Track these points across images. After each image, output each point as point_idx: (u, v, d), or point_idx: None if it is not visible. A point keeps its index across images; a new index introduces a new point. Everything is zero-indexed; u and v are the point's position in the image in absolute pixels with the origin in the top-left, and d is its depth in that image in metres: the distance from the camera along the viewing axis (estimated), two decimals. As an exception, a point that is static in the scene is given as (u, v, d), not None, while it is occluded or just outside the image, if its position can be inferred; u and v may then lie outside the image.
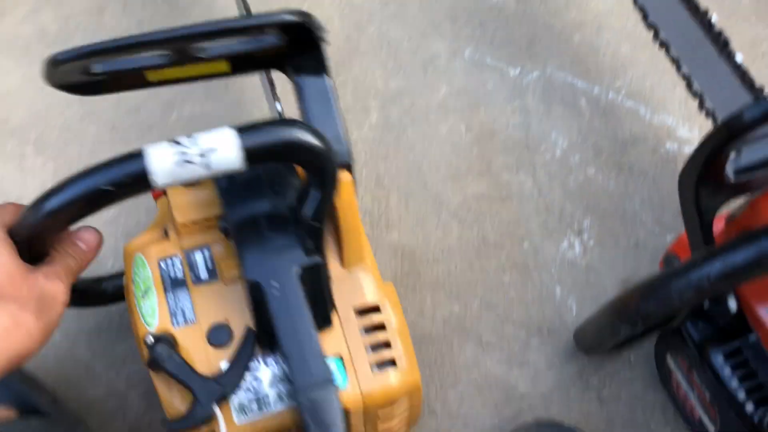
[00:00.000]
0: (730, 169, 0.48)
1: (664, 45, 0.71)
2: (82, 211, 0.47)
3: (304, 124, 0.47)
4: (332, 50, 0.81)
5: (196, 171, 0.45)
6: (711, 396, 0.54)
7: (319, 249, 0.51)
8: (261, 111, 0.78)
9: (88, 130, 0.79)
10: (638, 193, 0.73)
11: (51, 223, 0.47)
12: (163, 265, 0.55)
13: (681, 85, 0.69)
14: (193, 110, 0.80)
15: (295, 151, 0.46)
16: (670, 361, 0.59)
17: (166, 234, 0.57)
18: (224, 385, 0.50)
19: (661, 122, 0.77)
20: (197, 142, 0.45)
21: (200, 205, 0.56)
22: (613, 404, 0.65)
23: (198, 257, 0.56)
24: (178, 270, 0.55)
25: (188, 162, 0.45)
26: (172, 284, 0.55)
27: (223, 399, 0.50)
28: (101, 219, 0.73)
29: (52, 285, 0.47)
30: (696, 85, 0.66)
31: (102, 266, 0.72)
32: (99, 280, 0.66)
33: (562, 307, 0.69)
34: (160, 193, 0.58)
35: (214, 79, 0.59)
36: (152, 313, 0.54)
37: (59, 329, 0.55)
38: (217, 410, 0.50)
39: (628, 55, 0.81)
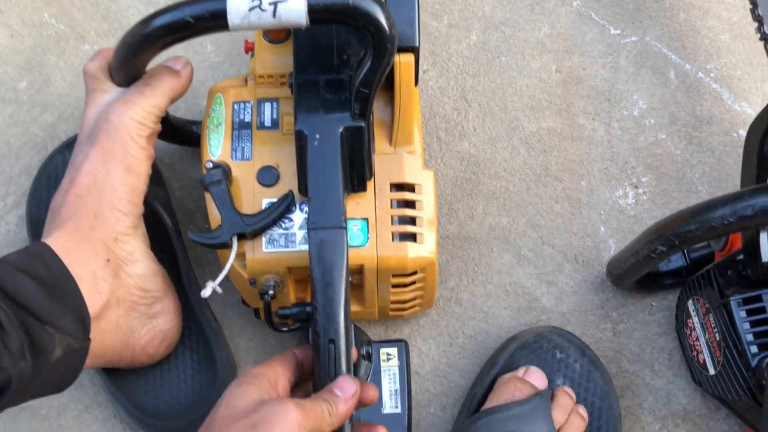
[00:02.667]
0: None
1: (764, 38, 0.75)
2: (171, 38, 0.52)
3: None
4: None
5: (264, 18, 0.49)
6: (721, 338, 0.58)
7: (364, 115, 0.55)
8: None
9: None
10: (701, 166, 0.77)
11: (148, 43, 0.53)
12: (236, 107, 0.62)
13: (770, 79, 0.72)
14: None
15: (353, 15, 0.49)
16: (690, 305, 0.63)
17: (246, 83, 0.64)
18: (247, 225, 0.56)
19: (741, 110, 0.80)
20: None
21: (278, 62, 0.62)
22: (626, 339, 0.69)
23: (266, 107, 0.62)
24: (248, 114, 0.62)
25: (260, 9, 0.49)
26: (240, 125, 0.62)
27: (242, 236, 0.56)
28: (209, 61, 0.80)
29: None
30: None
31: (197, 107, 0.79)
32: (191, 123, 0.72)
33: (602, 244, 0.73)
34: (251, 47, 0.64)
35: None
36: (217, 144, 0.61)
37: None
38: (234, 242, 0.56)
39: (726, 43, 0.84)
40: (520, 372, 0.62)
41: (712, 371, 0.60)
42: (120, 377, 0.64)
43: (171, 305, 0.63)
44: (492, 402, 0.60)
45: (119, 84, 0.61)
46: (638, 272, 0.61)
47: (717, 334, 0.59)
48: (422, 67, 0.81)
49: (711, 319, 0.59)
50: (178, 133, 0.70)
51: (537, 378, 0.62)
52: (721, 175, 0.77)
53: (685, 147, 0.78)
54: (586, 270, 0.72)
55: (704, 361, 0.62)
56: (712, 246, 0.66)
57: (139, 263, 0.60)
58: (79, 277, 0.55)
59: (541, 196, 0.75)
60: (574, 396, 0.61)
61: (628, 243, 0.73)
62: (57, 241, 0.55)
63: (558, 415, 0.59)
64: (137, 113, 0.59)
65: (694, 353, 0.63)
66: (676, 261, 0.68)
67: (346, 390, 0.50)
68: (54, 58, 0.80)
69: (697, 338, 0.62)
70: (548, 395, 0.59)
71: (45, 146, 0.76)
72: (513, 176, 0.76)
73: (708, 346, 0.61)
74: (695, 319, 0.62)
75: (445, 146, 0.78)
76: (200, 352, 0.65)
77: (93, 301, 0.55)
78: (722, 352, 0.58)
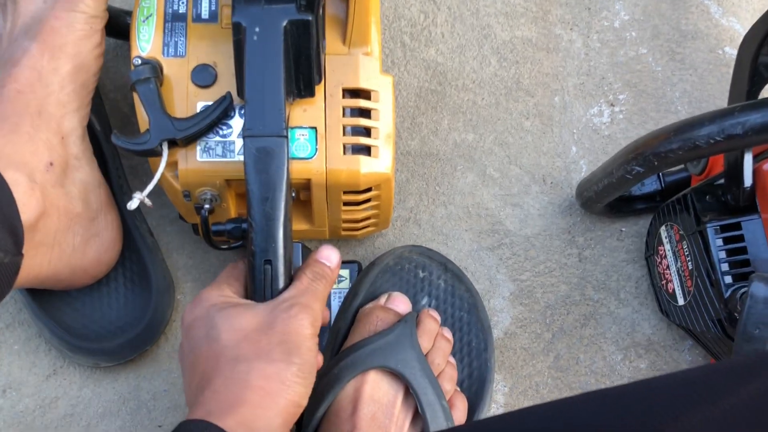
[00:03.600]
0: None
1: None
2: None
3: None
4: None
5: None
6: (693, 266, 0.55)
7: (312, 7, 0.48)
8: None
9: None
10: (681, 84, 0.71)
11: None
12: None
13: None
14: None
15: None
16: (663, 232, 0.59)
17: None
18: (178, 130, 0.50)
19: (728, 25, 0.74)
20: None
21: None
22: (591, 265, 0.66)
23: None
24: (182, 4, 0.55)
25: None
26: (173, 17, 0.54)
27: (173, 142, 0.50)
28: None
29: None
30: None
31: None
32: (127, 13, 0.64)
33: (573, 165, 0.68)
34: None
35: None
36: (147, 39, 0.54)
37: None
38: (164, 149, 0.50)
39: (718, -48, 0.77)
40: (382, 300, 0.58)
41: (681, 301, 0.57)
42: (45, 295, 0.59)
43: (114, 222, 0.58)
44: (354, 336, 0.56)
45: None
46: (611, 195, 0.57)
47: (690, 263, 0.55)
48: (387, -37, 0.73)
49: (684, 246, 0.55)
50: (113, 25, 0.62)
51: (400, 303, 0.57)
52: (703, 95, 0.72)
53: (667, 63, 0.72)
54: (554, 192, 0.67)
55: (673, 290, 0.58)
56: (689, 169, 0.61)
57: (85, 169, 0.55)
58: (14, 181, 0.48)
59: (511, 112, 0.70)
60: (438, 318, 0.58)
61: (600, 164, 0.68)
62: None
63: (424, 341, 0.55)
64: (87, 5, 0.53)
65: (663, 282, 0.60)
66: (650, 185, 0.64)
67: (332, 259, 0.50)
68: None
69: (668, 266, 0.58)
70: (413, 320, 0.55)
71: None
72: (482, 89, 0.70)
73: (679, 275, 0.57)
74: (667, 247, 0.58)
75: (409, 53, 0.71)
76: (133, 269, 0.60)
77: (28, 208, 0.49)
78: (694, 281, 0.55)
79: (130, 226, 0.60)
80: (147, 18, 0.54)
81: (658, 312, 0.64)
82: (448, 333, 0.57)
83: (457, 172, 0.68)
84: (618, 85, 0.71)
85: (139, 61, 0.52)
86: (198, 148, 0.52)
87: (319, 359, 0.47)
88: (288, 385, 0.42)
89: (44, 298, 0.59)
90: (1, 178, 0.48)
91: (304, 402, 0.44)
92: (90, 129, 0.60)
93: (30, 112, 0.51)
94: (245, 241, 0.50)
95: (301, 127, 0.52)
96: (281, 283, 0.47)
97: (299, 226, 0.59)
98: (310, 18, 0.48)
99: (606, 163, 0.55)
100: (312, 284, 0.47)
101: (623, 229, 0.66)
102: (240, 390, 0.41)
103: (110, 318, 0.58)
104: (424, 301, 0.59)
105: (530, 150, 0.69)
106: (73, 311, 0.58)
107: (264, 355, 0.43)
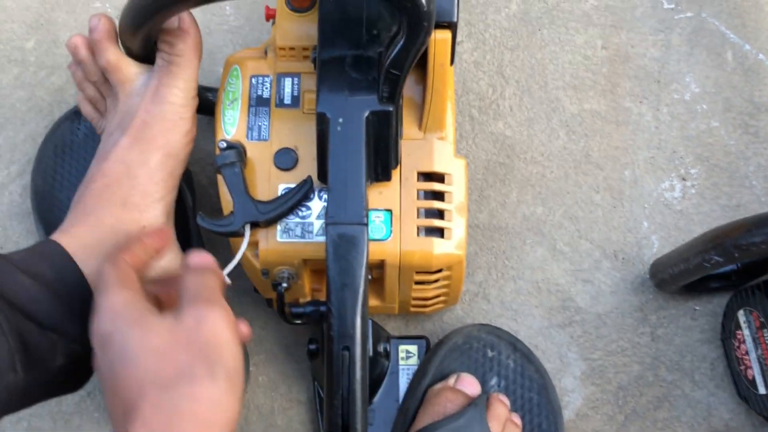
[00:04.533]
0: None
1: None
2: (175, 6, 0.47)
3: None
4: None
5: None
6: (775, 356, 0.53)
7: (393, 98, 0.50)
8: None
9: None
10: (756, 158, 0.70)
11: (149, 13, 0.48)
12: (254, 81, 0.57)
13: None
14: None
15: None
16: (741, 316, 0.58)
17: (266, 54, 0.58)
18: (261, 213, 0.52)
19: (803, 98, 0.73)
20: None
21: (301, 33, 0.56)
22: (665, 345, 0.64)
23: (287, 82, 0.57)
24: (266, 90, 0.57)
25: None
26: (257, 101, 0.57)
27: (255, 224, 0.52)
28: (227, 24, 0.75)
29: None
30: None
31: (214, 73, 0.73)
32: (206, 89, 0.67)
33: (644, 241, 0.68)
34: (273, 14, 0.58)
35: None
36: (232, 122, 0.56)
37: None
38: (247, 231, 0.52)
39: (791, 23, 0.76)
40: (451, 381, 0.58)
41: (762, 390, 0.55)
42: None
43: None
44: (424, 418, 0.56)
45: (141, 59, 0.55)
46: (686, 279, 0.56)
47: (771, 352, 0.54)
48: (457, 39, 0.75)
49: (765, 334, 0.54)
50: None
51: (469, 385, 0.57)
52: (779, 169, 0.70)
53: (740, 137, 0.71)
54: (625, 268, 0.67)
55: (753, 377, 0.56)
56: None
57: (167, 256, 0.54)
58: (92, 272, 0.49)
59: (581, 185, 0.70)
60: (508, 403, 0.58)
61: (672, 240, 0.68)
62: (73, 238, 0.50)
63: (494, 425, 0.54)
64: (176, 95, 0.53)
65: (742, 367, 0.58)
66: (726, 264, 0.63)
67: (204, 257, 0.46)
68: (63, 16, 0.75)
69: (747, 352, 0.57)
70: (483, 404, 0.55)
71: (51, 111, 0.72)
72: (551, 162, 0.71)
73: (759, 363, 0.55)
74: (746, 332, 0.57)
75: (478, 126, 0.72)
76: (209, 341, 0.61)
77: None
78: (776, 371, 0.53)
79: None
80: (232, 102, 0.57)
81: (735, 396, 0.62)
82: (516, 418, 0.57)
83: (526, 246, 0.68)
84: (689, 159, 0.71)
85: (225, 145, 0.54)
86: (278, 228, 0.53)
87: (242, 328, 0.44)
88: (218, 404, 0.39)
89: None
90: (81, 274, 0.48)
91: (237, 412, 0.41)
92: (181, 202, 0.62)
93: (115, 204, 0.52)
94: (323, 324, 0.51)
95: (376, 210, 0.54)
96: (359, 369, 0.47)
97: (370, 302, 0.60)
98: (391, 109, 0.49)
99: (683, 248, 0.54)
100: (203, 281, 0.43)
101: (697, 308, 0.65)
102: (170, 420, 0.38)
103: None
104: (493, 381, 0.59)
105: (600, 224, 0.68)
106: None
107: (187, 373, 0.39)
